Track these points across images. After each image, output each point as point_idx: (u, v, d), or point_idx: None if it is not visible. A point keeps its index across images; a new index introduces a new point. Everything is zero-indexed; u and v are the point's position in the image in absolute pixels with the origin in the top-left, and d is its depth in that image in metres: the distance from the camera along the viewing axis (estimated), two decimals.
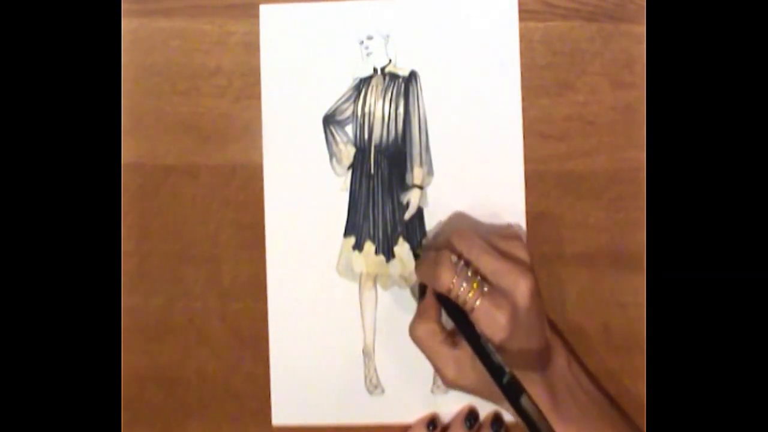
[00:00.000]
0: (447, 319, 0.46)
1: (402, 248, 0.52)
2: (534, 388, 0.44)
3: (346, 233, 0.52)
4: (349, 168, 0.52)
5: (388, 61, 0.51)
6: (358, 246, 0.52)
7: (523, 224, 0.51)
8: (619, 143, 0.51)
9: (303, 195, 0.52)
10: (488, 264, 0.43)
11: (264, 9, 0.51)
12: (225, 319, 0.53)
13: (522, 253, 0.45)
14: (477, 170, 0.51)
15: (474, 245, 0.44)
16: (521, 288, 0.42)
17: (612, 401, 0.50)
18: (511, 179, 0.51)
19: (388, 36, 0.51)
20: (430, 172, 0.52)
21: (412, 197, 0.52)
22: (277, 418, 0.52)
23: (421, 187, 0.52)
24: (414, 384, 0.52)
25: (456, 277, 0.42)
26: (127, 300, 0.53)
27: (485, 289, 0.42)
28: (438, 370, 0.45)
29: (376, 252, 0.52)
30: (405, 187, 0.52)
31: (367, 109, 0.52)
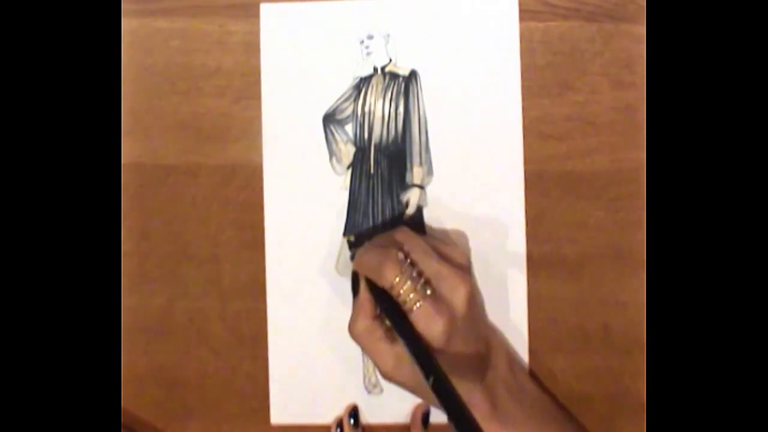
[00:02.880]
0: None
1: None
2: (472, 395, 0.44)
3: (346, 232, 0.52)
4: (348, 167, 0.52)
5: (388, 61, 0.51)
6: (358, 245, 0.52)
7: (523, 224, 0.51)
8: (619, 143, 0.51)
9: (303, 194, 0.52)
10: (431, 266, 0.43)
11: (264, 8, 0.51)
12: (225, 319, 0.53)
13: (462, 259, 0.45)
14: (477, 170, 0.51)
15: (419, 247, 0.44)
16: (460, 294, 0.42)
17: (556, 402, 0.50)
18: (511, 179, 0.51)
19: (388, 35, 0.51)
20: (429, 172, 0.52)
21: (412, 196, 0.52)
22: (276, 417, 0.53)
23: (420, 187, 0.52)
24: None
25: (400, 274, 0.42)
26: (127, 300, 0.53)
27: (428, 291, 0.42)
28: (377, 365, 0.45)
29: None
30: (405, 186, 0.52)
31: (367, 108, 0.51)
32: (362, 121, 0.52)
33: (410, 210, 0.52)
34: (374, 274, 0.43)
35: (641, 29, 0.51)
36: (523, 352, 0.52)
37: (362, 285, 0.45)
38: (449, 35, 0.51)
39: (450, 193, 0.51)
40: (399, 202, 0.52)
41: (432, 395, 0.42)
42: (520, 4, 0.51)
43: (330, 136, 0.52)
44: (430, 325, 0.42)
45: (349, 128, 0.52)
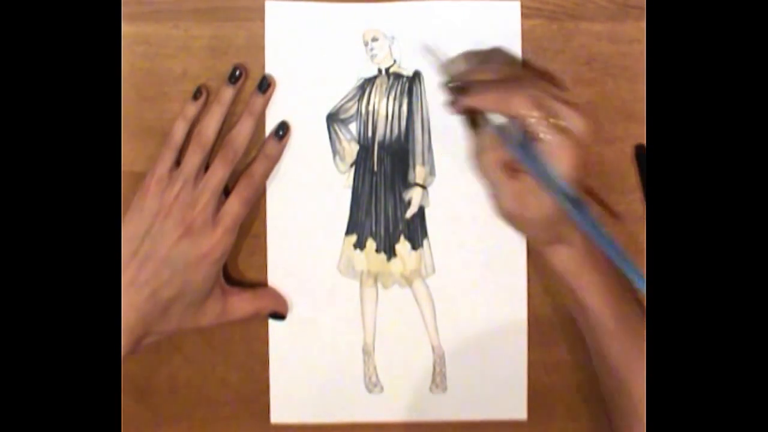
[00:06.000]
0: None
1: (403, 247, 0.52)
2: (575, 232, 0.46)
3: (348, 231, 0.52)
4: (351, 165, 0.52)
5: (392, 63, 0.51)
6: (360, 244, 0.52)
7: None
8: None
9: (305, 193, 0.52)
10: (553, 104, 0.44)
11: (270, 5, 0.51)
12: None
13: (574, 99, 0.46)
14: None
15: (540, 86, 0.45)
16: (583, 126, 0.44)
17: None
18: None
19: (393, 38, 0.51)
20: (432, 173, 0.52)
21: (414, 196, 0.52)
22: (276, 416, 0.52)
23: (423, 186, 0.52)
24: (413, 382, 0.52)
25: (528, 108, 0.43)
26: None
27: (560, 122, 0.43)
28: (498, 200, 0.46)
29: (377, 250, 0.52)
30: (407, 184, 0.52)
31: (370, 107, 0.52)
32: (366, 119, 0.52)
33: (413, 210, 0.52)
34: (503, 106, 0.44)
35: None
36: (522, 346, 0.52)
37: (487, 118, 0.45)
38: (453, 38, 0.51)
39: (452, 194, 0.52)
40: (402, 200, 0.52)
41: (547, 233, 0.46)
42: (522, 5, 0.52)
43: (333, 135, 0.52)
44: (561, 152, 0.43)
45: (352, 127, 0.52)
